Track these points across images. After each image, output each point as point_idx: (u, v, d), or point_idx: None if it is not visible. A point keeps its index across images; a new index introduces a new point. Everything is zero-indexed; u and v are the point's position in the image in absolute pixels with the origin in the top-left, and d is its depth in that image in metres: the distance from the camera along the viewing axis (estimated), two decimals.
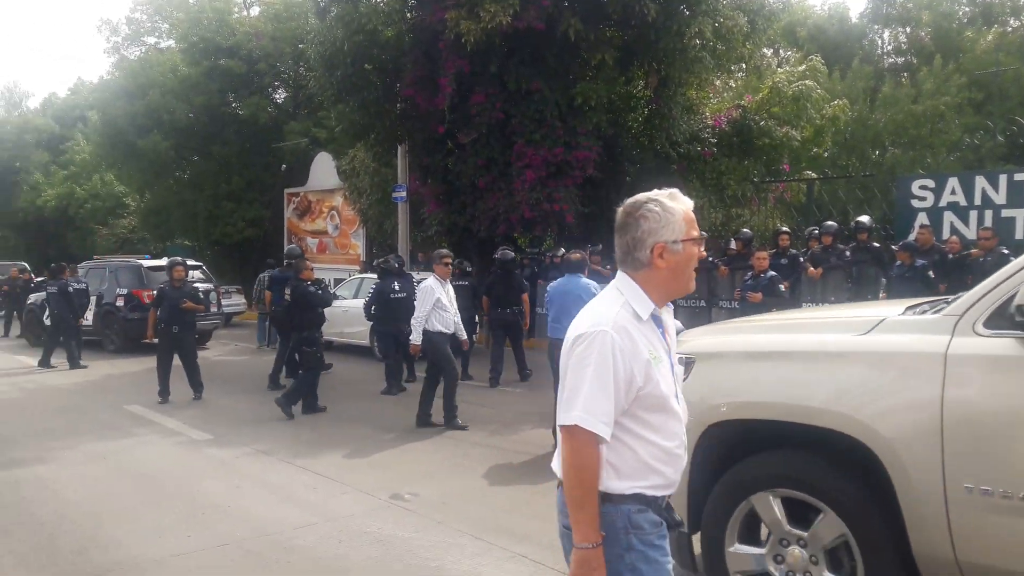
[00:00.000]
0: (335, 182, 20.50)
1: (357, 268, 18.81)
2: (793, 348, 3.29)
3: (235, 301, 18.95)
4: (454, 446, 6.72)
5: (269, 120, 23.36)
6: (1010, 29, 22.45)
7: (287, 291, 8.93)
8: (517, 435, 7.12)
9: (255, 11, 25.73)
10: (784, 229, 12.21)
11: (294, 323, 8.52)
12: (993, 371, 2.68)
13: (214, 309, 14.73)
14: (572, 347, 1.95)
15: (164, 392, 8.99)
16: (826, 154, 18.08)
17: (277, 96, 25.02)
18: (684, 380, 3.23)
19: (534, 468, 5.90)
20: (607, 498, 1.93)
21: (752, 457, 3.22)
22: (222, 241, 23.94)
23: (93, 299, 15.21)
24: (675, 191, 2.08)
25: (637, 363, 1.92)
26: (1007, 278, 2.72)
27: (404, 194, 15.72)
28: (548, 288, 7.28)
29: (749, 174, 14.83)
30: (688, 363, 3.36)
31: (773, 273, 9.03)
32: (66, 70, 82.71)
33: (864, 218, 11.48)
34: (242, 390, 9.77)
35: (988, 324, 2.72)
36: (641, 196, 2.05)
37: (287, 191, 23.19)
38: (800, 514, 3.07)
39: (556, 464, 2.00)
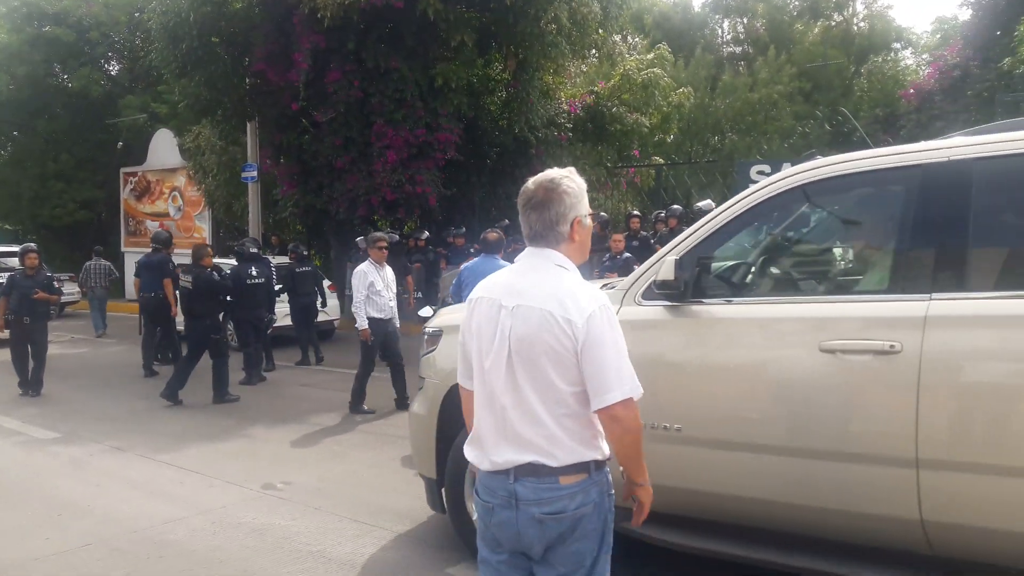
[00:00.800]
0: (177, 161, 19.40)
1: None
2: None
3: (68, 290, 17.62)
4: (324, 434, 6.59)
5: (102, 94, 21.73)
6: (833, 24, 24.29)
7: (185, 279, 8.48)
8: (389, 419, 7.08)
9: None
10: (635, 212, 12.76)
11: (195, 312, 8.11)
12: (645, 329, 3.37)
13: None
14: (587, 325, 1.94)
15: (25, 383, 8.46)
16: (671, 140, 18.97)
17: (111, 68, 23.29)
18: (433, 351, 4.05)
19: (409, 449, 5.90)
20: (600, 464, 2.04)
21: None
22: (51, 224, 22.16)
23: None
24: (572, 170, 2.18)
25: None
26: (656, 261, 3.41)
27: (255, 174, 15.09)
28: (463, 268, 7.03)
29: (603, 159, 15.35)
30: (436, 335, 4.04)
31: (628, 255, 9.43)
32: None
33: (706, 202, 12.15)
34: (85, 385, 9.13)
35: (644, 295, 3.42)
36: (554, 173, 2.14)
37: (123, 170, 21.66)
38: None
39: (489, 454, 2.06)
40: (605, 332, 1.95)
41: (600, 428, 2.04)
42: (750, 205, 3.34)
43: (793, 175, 3.30)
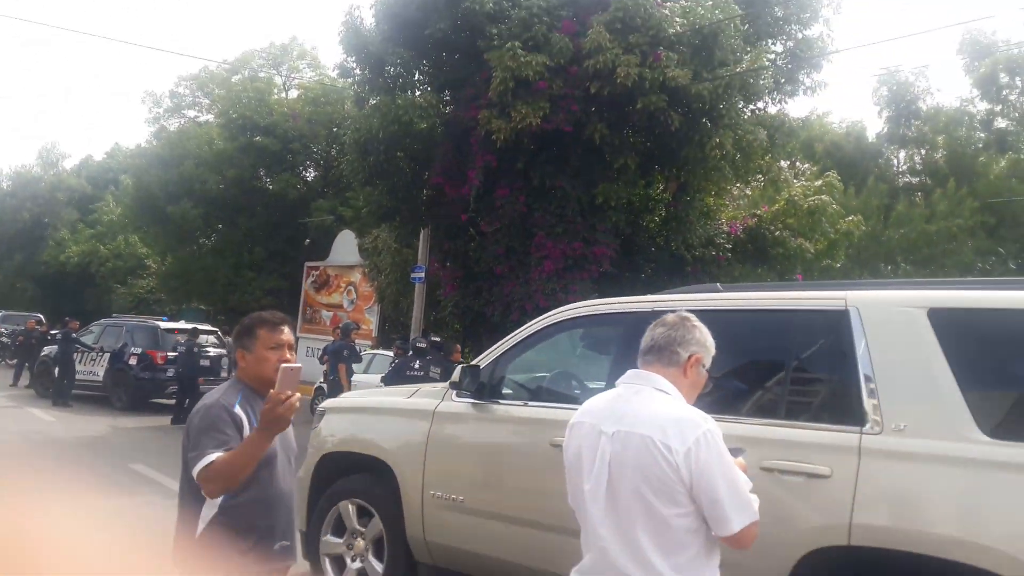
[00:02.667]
0: (356, 259, 20.97)
1: (370, 343, 19.05)
2: (369, 405, 4.97)
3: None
4: None
5: (297, 196, 24.09)
6: (1022, 157, 23.06)
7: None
8: None
9: (293, 94, 26.83)
10: None
11: None
12: (450, 419, 4.29)
13: (224, 375, 15.02)
14: (693, 457, 1.90)
15: None
16: (839, 266, 18.40)
17: (307, 174, 25.84)
18: (317, 427, 4.94)
19: None
20: None
21: (343, 478, 4.67)
22: (238, 308, 24.34)
23: (106, 356, 15.55)
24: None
25: None
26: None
27: (422, 275, 16.09)
28: None
29: (762, 282, 15.12)
30: (321, 414, 4.97)
31: None
32: (105, 135, 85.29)
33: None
34: None
35: (458, 393, 4.27)
36: (690, 315, 2.21)
37: (307, 264, 23.69)
38: (366, 516, 4.56)
39: None
40: (712, 464, 1.91)
41: (707, 551, 1.98)
42: (529, 332, 4.27)
43: (561, 312, 4.28)
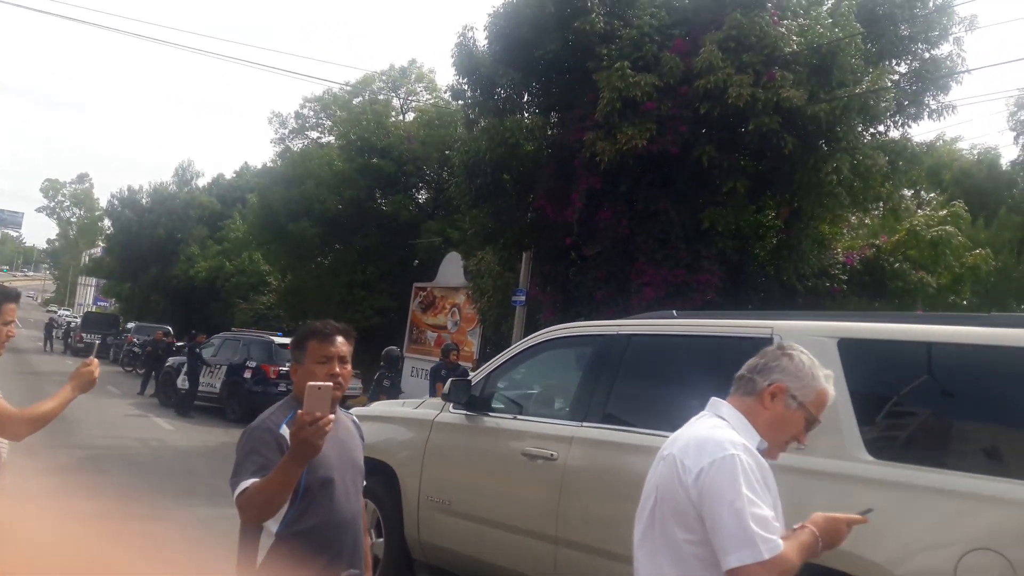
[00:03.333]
0: (460, 281, 21.23)
1: (470, 365, 19.18)
2: (383, 414, 5.51)
3: (352, 384, 19.62)
4: None
5: (409, 217, 24.67)
6: None
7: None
8: None
9: (410, 116, 27.60)
10: None
11: None
12: (446, 429, 4.80)
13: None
14: (702, 477, 1.81)
15: None
16: (964, 303, 17.27)
17: (419, 196, 26.45)
18: None
19: None
20: None
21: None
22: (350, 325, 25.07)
23: (223, 368, 16.26)
24: (832, 375, 2.04)
25: (769, 493, 1.85)
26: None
27: (523, 299, 16.09)
28: None
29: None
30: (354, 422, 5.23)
31: None
32: (235, 155, 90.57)
33: None
34: None
35: (455, 406, 4.77)
36: (800, 347, 2.04)
37: (415, 285, 24.16)
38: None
39: None
40: (722, 488, 1.77)
41: None
42: (513, 353, 4.84)
43: (543, 333, 4.82)
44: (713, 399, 2.05)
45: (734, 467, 1.80)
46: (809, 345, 3.04)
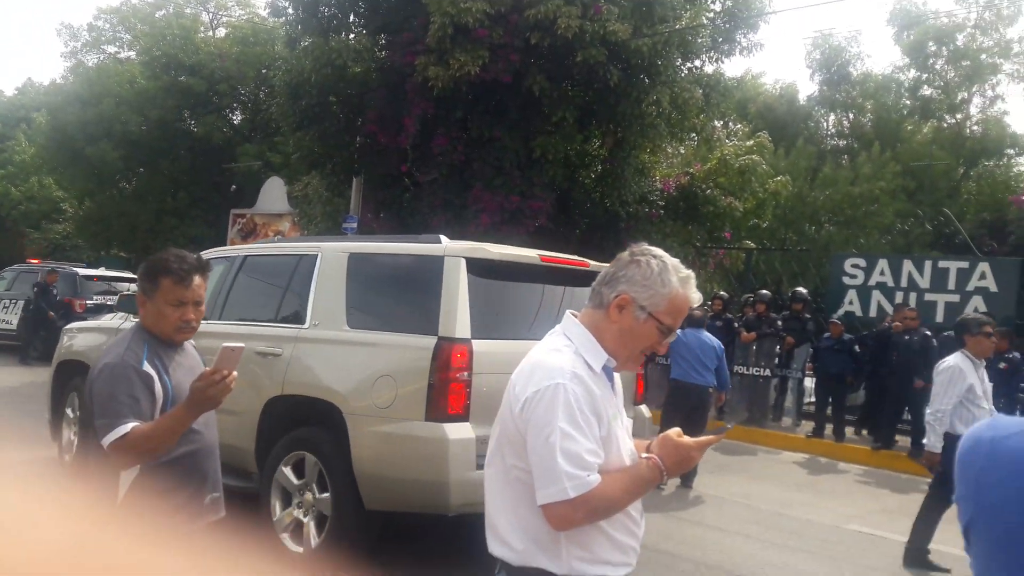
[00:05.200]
0: (284, 207, 20.44)
1: None
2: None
3: None
4: None
5: (223, 140, 23.19)
6: (945, 125, 23.86)
7: None
8: None
9: (221, 32, 25.73)
10: (720, 294, 12.75)
11: None
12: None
13: None
14: (528, 405, 1.71)
15: None
16: (765, 226, 18.86)
17: (234, 117, 24.90)
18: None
19: None
20: None
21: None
22: None
23: (19, 303, 14.93)
24: (691, 276, 1.88)
25: (600, 421, 1.73)
26: None
27: (355, 225, 15.74)
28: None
29: (692, 238, 15.38)
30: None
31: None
32: (16, 69, 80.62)
33: (801, 290, 12.05)
34: None
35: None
36: (656, 249, 1.90)
37: (233, 211, 22.93)
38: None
39: (495, 547, 1.82)
40: (542, 421, 1.68)
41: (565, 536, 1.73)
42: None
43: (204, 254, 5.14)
44: (567, 314, 1.87)
45: (555, 398, 1.68)
46: (332, 258, 5.06)
